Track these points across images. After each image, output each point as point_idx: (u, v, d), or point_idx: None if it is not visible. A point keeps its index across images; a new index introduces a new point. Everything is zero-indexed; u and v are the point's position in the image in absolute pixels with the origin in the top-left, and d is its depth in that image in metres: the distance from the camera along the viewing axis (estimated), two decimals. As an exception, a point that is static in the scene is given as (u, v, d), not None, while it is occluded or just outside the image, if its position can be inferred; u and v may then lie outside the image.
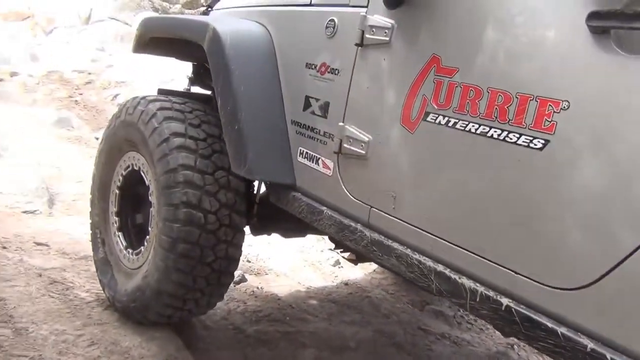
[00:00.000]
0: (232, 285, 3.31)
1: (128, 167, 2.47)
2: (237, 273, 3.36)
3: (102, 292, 2.61)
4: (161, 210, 2.13)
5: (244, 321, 2.89)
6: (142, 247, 2.40)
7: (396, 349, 2.93)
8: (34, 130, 5.62)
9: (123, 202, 2.56)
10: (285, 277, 3.64)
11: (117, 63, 8.48)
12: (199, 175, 2.09)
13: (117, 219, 2.58)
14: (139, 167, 2.38)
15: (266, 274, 3.62)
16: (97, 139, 5.22)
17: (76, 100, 7.17)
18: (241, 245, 2.25)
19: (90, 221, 2.77)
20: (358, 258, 3.21)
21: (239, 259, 2.28)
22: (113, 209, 2.59)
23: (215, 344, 2.60)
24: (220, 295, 2.37)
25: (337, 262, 3.96)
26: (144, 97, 2.35)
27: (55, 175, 4.79)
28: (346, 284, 3.69)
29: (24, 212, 3.84)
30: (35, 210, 3.94)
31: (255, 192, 2.38)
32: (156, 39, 2.55)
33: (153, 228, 2.24)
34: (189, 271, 2.13)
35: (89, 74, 8.14)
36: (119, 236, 2.57)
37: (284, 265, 3.81)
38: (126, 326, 2.44)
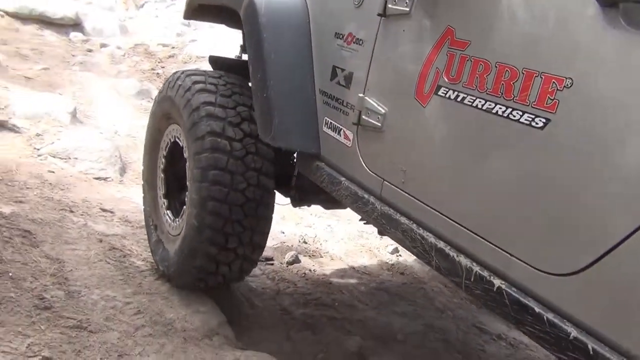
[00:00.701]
0: (284, 265, 3.31)
1: (170, 139, 2.61)
2: (291, 254, 3.38)
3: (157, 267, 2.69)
4: (192, 173, 2.23)
5: (292, 303, 2.87)
6: (182, 213, 2.51)
7: (445, 346, 2.81)
8: (115, 100, 5.85)
9: (168, 175, 2.71)
10: (340, 261, 3.59)
11: (200, 38, 8.68)
12: (226, 141, 2.16)
13: (164, 188, 2.73)
14: (178, 138, 2.50)
15: (321, 257, 3.59)
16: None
17: (158, 73, 7.41)
18: (272, 205, 2.30)
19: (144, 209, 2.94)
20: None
21: (270, 219, 2.32)
22: (161, 177, 2.74)
23: (259, 323, 2.61)
24: (254, 261, 2.40)
25: (396, 250, 3.86)
26: (183, 72, 2.44)
27: (131, 144, 4.97)
28: (402, 273, 3.59)
29: (96, 178, 4.01)
30: (107, 178, 4.11)
31: (293, 163, 2.40)
32: (204, 6, 2.62)
33: (189, 193, 2.32)
34: (219, 228, 2.19)
35: (173, 47, 8.39)
36: (164, 203, 2.73)
37: (340, 249, 3.77)
38: (173, 298, 2.49)
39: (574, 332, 1.10)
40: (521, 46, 1.27)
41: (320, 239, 3.84)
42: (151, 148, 2.79)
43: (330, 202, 2.53)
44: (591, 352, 1.06)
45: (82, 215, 3.19)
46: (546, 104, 1.19)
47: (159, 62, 7.82)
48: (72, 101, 5.30)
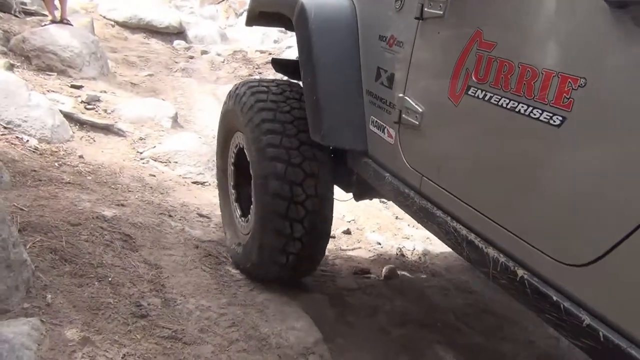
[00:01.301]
0: (381, 279, 3.13)
1: (237, 145, 2.70)
2: (388, 267, 3.19)
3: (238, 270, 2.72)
4: (254, 180, 2.38)
5: (390, 322, 2.68)
6: (249, 214, 2.59)
7: (564, 381, 2.51)
8: (214, 105, 5.95)
9: (237, 178, 2.80)
10: (441, 278, 3.35)
11: (296, 44, 8.72)
12: (284, 150, 2.27)
13: (234, 191, 2.84)
14: (243, 145, 2.59)
15: (420, 272, 3.37)
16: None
17: (255, 79, 7.50)
18: (331, 200, 2.38)
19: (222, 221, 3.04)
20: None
21: (331, 212, 2.39)
22: (231, 182, 2.86)
23: (355, 343, 2.44)
24: (319, 255, 2.50)
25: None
26: (244, 84, 2.57)
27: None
28: (510, 294, 3.29)
29: (194, 182, 4.04)
30: (205, 182, 4.13)
31: None
32: (262, 13, 2.73)
33: (254, 196, 2.42)
34: (282, 223, 2.29)
35: (270, 54, 8.48)
36: (236, 207, 2.80)
37: (441, 264, 3.52)
38: (268, 311, 2.38)
39: (587, 320, 1.14)
40: (541, 47, 1.33)
41: (419, 252, 3.62)
42: (221, 154, 2.94)
43: None
44: (602, 339, 1.10)
45: (180, 220, 3.19)
46: (562, 102, 1.23)
47: (256, 68, 7.92)
48: (174, 106, 5.44)
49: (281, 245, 2.33)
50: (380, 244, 3.67)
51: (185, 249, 2.82)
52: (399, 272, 3.23)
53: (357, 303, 2.82)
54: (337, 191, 2.51)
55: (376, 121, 2.04)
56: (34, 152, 3.66)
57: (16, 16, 6.89)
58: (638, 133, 1.08)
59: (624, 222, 1.09)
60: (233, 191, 2.85)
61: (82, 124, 4.46)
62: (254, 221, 2.43)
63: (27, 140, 3.79)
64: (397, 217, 4.14)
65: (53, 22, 6.11)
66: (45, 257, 2.24)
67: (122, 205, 3.11)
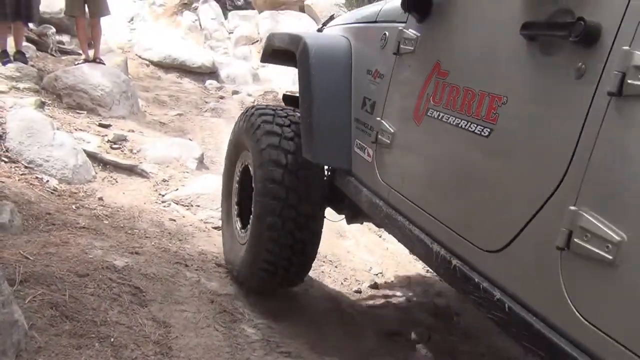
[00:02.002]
0: (411, 342, 2.87)
1: (243, 163, 2.94)
2: (418, 330, 2.93)
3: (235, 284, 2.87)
4: (256, 192, 2.60)
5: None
6: (248, 225, 2.77)
7: None
8: (242, 146, 5.84)
9: (241, 194, 3.03)
10: (477, 341, 3.06)
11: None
12: (283, 170, 2.50)
13: (237, 207, 3.05)
14: (248, 163, 2.81)
15: (453, 335, 3.08)
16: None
17: (285, 120, 7.40)
18: (321, 220, 2.63)
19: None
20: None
21: (318, 229, 2.63)
22: (235, 199, 3.08)
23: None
24: (306, 269, 2.73)
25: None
26: (256, 108, 2.79)
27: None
28: None
29: (215, 227, 3.86)
30: (227, 228, 3.95)
31: None
32: (275, 50, 2.94)
33: (253, 209, 2.65)
34: (275, 240, 2.52)
35: (301, 94, 8.40)
36: (237, 221, 3.02)
37: (475, 324, 3.23)
38: (283, 382, 2.15)
39: (497, 295, 1.37)
40: (477, 73, 1.61)
41: (452, 311, 3.34)
42: (228, 168, 3.16)
43: None
44: (507, 310, 1.33)
45: (196, 270, 3.00)
46: (491, 117, 1.48)
47: (286, 109, 7.83)
48: (201, 147, 5.34)
49: (271, 258, 2.55)
50: (410, 300, 3.41)
51: (199, 303, 2.62)
52: (430, 335, 2.95)
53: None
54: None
55: (359, 143, 2.29)
56: (52, 193, 3.56)
57: (52, 55, 7.01)
58: (543, 141, 1.32)
59: (521, 217, 1.34)
60: (236, 207, 3.06)
61: (105, 164, 4.38)
62: (251, 232, 2.67)
63: (47, 181, 3.70)
64: (428, 271, 3.88)
65: (86, 61, 6.16)
66: (45, 314, 2.07)
67: (137, 253, 2.94)
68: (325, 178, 2.60)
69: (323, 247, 3.87)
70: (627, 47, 1.11)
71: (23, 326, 1.81)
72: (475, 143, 1.52)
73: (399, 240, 1.95)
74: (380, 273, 3.74)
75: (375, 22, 2.33)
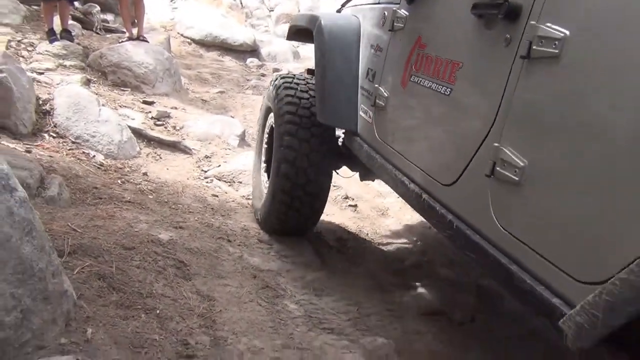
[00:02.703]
0: (455, 323, 2.81)
1: (270, 125, 3.33)
2: (461, 309, 2.86)
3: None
4: (275, 150, 3.03)
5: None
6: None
7: None
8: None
9: (267, 153, 3.45)
10: (521, 322, 2.98)
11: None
12: (298, 127, 2.91)
13: (264, 165, 3.50)
14: (273, 124, 3.18)
15: (498, 315, 3.01)
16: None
17: (326, 98, 7.34)
18: (329, 176, 3.02)
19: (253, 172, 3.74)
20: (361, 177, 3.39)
21: (325, 186, 3.03)
22: (263, 157, 3.54)
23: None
24: (314, 217, 3.16)
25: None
26: (282, 77, 3.19)
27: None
28: None
29: (258, 204, 3.87)
30: (268, 204, 3.95)
31: None
32: (300, 29, 3.28)
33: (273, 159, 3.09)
34: (289, 188, 2.93)
35: (342, 72, 8.30)
36: (264, 175, 3.47)
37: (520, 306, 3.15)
38: (326, 357, 2.14)
39: (450, 217, 1.74)
40: (444, 44, 1.97)
41: (497, 292, 3.26)
42: (260, 130, 3.58)
43: None
44: (454, 227, 1.70)
45: (239, 245, 3.01)
46: (451, 79, 1.83)
47: (327, 87, 7.76)
48: (242, 124, 5.34)
49: (286, 199, 2.96)
50: (452, 281, 3.34)
51: (241, 278, 2.63)
52: (474, 316, 2.89)
53: (426, 350, 2.52)
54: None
55: (363, 107, 2.61)
56: (99, 168, 3.62)
57: (97, 33, 7.10)
58: (483, 96, 1.68)
59: (467, 156, 1.69)
60: (264, 164, 3.51)
61: (149, 140, 4.43)
62: (270, 180, 3.11)
63: (94, 156, 3.76)
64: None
65: (130, 39, 6.22)
66: (92, 285, 2.10)
67: (181, 227, 2.97)
68: (339, 141, 2.95)
69: (365, 225, 3.84)
70: (534, 22, 1.46)
71: (72, 296, 1.84)
72: (440, 100, 1.89)
73: (387, 184, 2.36)
74: (422, 252, 3.68)
75: (379, 3, 2.63)
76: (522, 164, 1.43)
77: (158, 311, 2.10)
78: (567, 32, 1.35)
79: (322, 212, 3.15)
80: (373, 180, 3.39)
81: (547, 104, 1.41)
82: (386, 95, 2.33)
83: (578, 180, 1.29)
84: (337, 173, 3.16)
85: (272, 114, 3.22)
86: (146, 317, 2.05)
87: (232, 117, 5.67)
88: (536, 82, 1.44)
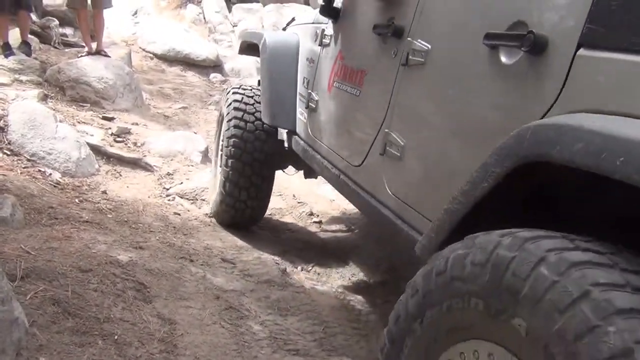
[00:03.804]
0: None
1: (223, 130, 3.65)
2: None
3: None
4: (225, 150, 3.45)
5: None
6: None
7: None
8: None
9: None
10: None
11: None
12: (243, 131, 3.34)
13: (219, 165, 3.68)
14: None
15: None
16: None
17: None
18: (273, 171, 3.47)
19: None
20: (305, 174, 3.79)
21: (269, 185, 3.49)
22: (218, 160, 3.75)
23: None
24: (259, 211, 3.59)
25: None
26: (232, 87, 3.64)
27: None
28: None
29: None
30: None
31: None
32: (249, 45, 3.72)
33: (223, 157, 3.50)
34: (236, 180, 3.34)
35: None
36: (219, 174, 3.64)
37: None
38: (291, 381, 2.09)
39: (358, 190, 2.21)
40: (354, 56, 2.44)
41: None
42: (217, 135, 3.95)
43: None
44: (361, 197, 2.19)
45: (201, 265, 2.94)
46: (360, 83, 2.30)
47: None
48: (205, 140, 5.27)
49: (234, 192, 3.36)
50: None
51: (204, 299, 2.57)
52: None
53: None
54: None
55: (300, 110, 3.07)
56: (55, 186, 3.50)
57: (56, 47, 6.92)
58: (380, 94, 2.08)
59: (369, 142, 2.14)
60: (219, 167, 3.67)
61: (109, 157, 4.31)
62: (221, 176, 3.47)
63: (50, 174, 3.64)
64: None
65: (89, 53, 6.08)
66: (46, 310, 2.01)
67: (141, 248, 2.88)
68: (284, 145, 3.28)
69: (330, 242, 3.81)
70: (410, 39, 1.90)
71: (23, 324, 1.75)
72: (352, 100, 2.36)
73: (317, 171, 2.94)
74: (388, 270, 3.67)
75: (313, 23, 3.06)
76: (402, 143, 1.90)
77: (116, 337, 2.03)
78: (430, 47, 1.80)
79: (267, 206, 3.60)
80: (316, 178, 3.75)
81: (418, 99, 1.89)
82: (317, 99, 2.80)
83: (437, 156, 1.74)
84: (284, 171, 3.67)
85: (223, 120, 3.66)
86: (103, 344, 1.97)
87: (195, 132, 5.59)
88: (411, 83, 1.91)
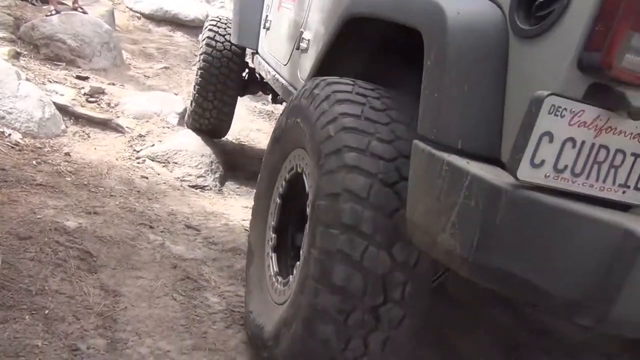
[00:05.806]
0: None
1: None
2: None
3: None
4: (197, 73, 4.12)
5: None
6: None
7: None
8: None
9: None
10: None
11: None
12: (213, 49, 3.95)
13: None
14: None
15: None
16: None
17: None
18: (235, 93, 4.08)
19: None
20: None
21: (230, 109, 4.14)
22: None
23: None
24: (225, 125, 4.27)
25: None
26: (210, 18, 4.31)
27: (238, 149, 4.57)
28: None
29: (192, 186, 3.60)
30: (205, 186, 3.69)
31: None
32: None
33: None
34: (204, 94, 4.02)
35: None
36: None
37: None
38: (241, 359, 1.91)
39: (284, 83, 2.86)
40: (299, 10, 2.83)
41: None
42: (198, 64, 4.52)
43: None
44: (284, 87, 2.82)
45: (162, 232, 2.74)
46: (294, 1, 2.87)
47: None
48: (184, 102, 5.02)
49: (201, 109, 4.02)
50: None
51: (159, 269, 2.37)
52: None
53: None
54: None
55: (262, 31, 3.52)
56: (12, 147, 3.27)
57: (32, 4, 6.60)
58: (304, 8, 2.63)
59: (293, 43, 2.70)
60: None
61: (77, 117, 4.07)
62: (192, 98, 4.25)
63: (10, 134, 3.41)
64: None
65: (57, 12, 5.77)
66: (-30, 281, 1.82)
67: (95, 213, 2.68)
68: (246, 71, 4.07)
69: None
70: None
71: None
72: (288, 13, 2.87)
73: (267, 81, 3.32)
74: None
75: None
76: (307, 38, 2.46)
77: (47, 311, 1.83)
78: None
79: (230, 121, 4.20)
80: (281, 103, 4.14)
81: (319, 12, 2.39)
82: (271, 19, 3.32)
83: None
84: (240, 96, 4.19)
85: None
86: (31, 319, 1.78)
87: (175, 94, 5.34)
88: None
